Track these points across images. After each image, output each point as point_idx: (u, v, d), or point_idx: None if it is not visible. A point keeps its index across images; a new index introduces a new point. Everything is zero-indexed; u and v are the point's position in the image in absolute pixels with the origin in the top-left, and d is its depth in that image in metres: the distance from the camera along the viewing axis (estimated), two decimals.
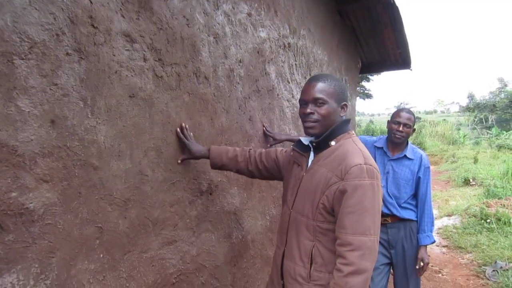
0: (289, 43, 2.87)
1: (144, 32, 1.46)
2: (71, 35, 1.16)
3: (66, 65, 1.14)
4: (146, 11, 1.47)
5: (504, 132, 21.25)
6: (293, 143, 1.68)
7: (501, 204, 6.56)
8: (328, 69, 3.89)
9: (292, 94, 2.96)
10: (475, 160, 12.37)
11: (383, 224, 2.57)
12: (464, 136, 22.56)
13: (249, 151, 1.82)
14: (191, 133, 1.73)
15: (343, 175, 1.35)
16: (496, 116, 29.70)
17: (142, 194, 1.47)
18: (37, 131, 1.06)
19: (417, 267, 2.56)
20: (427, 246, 2.60)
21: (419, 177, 2.59)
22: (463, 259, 4.99)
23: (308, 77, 3.26)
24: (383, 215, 2.53)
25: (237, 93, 2.15)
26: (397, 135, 2.57)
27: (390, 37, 4.86)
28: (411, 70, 5.90)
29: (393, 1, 3.88)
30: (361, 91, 17.35)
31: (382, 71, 6.58)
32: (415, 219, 2.62)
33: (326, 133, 1.46)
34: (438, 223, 6.30)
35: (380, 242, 2.55)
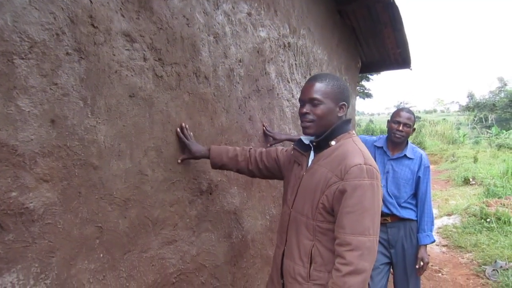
0: (289, 43, 2.87)
1: (144, 31, 1.46)
2: (71, 35, 1.16)
3: (66, 64, 1.14)
4: (146, 10, 1.47)
5: (504, 131, 21.25)
6: (294, 142, 1.68)
7: (501, 204, 6.56)
8: (328, 69, 3.89)
9: (292, 93, 2.96)
10: (475, 160, 12.37)
11: (383, 224, 2.57)
12: (464, 136, 22.56)
13: (249, 151, 1.82)
14: (191, 133, 1.73)
15: (343, 175, 1.35)
16: (496, 115, 29.72)
17: (142, 193, 1.47)
18: (37, 130, 1.06)
19: (417, 266, 2.56)
20: (427, 245, 2.60)
21: (419, 177, 2.59)
22: (463, 258, 4.99)
23: (308, 77, 3.26)
24: (383, 214, 2.54)
25: (237, 92, 2.15)
26: (397, 135, 2.57)
27: (390, 36, 4.86)
28: (411, 69, 5.90)
29: (393, 1, 3.88)
30: (361, 90, 17.36)
31: (382, 70, 6.58)
32: (415, 218, 2.62)
33: (326, 132, 1.46)
34: (438, 223, 6.30)
35: (380, 241, 2.58)
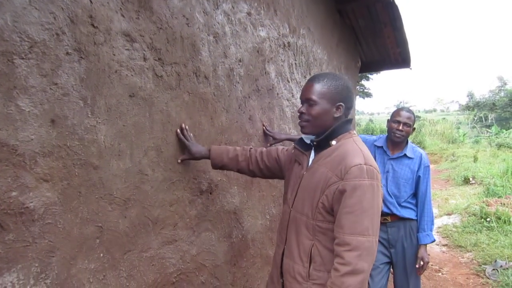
0: (288, 42, 2.87)
1: (144, 31, 1.46)
2: (71, 35, 1.16)
3: (66, 64, 1.14)
4: (146, 10, 1.47)
5: (504, 130, 21.25)
6: (295, 141, 1.68)
7: (501, 203, 6.56)
8: (327, 68, 3.89)
9: (292, 93, 2.96)
10: (475, 159, 12.36)
11: (383, 223, 2.57)
12: (463, 135, 22.55)
13: (249, 150, 1.82)
14: (191, 134, 1.73)
15: (343, 175, 1.35)
16: (496, 115, 29.71)
17: (142, 193, 1.47)
18: (37, 130, 1.06)
19: (417, 266, 2.56)
20: (427, 245, 2.60)
21: (419, 176, 2.59)
22: (463, 258, 4.99)
23: (307, 76, 3.27)
24: (383, 214, 2.54)
25: (237, 92, 2.15)
26: (397, 134, 2.57)
27: (389, 36, 4.86)
28: (410, 69, 5.90)
29: (393, 0, 3.88)
30: (361, 90, 17.36)
31: (382, 70, 6.58)
32: (415, 218, 2.62)
33: (327, 132, 1.46)
34: (438, 222, 6.30)
35: (380, 241, 2.58)
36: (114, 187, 1.33)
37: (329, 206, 1.39)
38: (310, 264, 1.43)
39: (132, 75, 1.41)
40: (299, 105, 1.53)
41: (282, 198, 2.73)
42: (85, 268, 1.22)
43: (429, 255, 2.63)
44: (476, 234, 5.62)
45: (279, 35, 2.70)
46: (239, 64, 2.17)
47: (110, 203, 1.32)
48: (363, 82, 17.01)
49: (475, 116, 32.30)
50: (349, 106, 1.50)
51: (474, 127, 30.21)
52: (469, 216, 6.39)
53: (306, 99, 1.47)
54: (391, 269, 2.72)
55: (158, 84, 1.55)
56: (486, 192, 7.87)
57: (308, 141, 1.56)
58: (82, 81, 1.20)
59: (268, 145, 2.49)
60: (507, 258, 4.54)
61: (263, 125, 2.47)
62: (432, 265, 4.70)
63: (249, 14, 2.27)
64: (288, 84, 2.90)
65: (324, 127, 1.48)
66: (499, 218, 5.85)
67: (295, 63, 3.04)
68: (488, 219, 5.91)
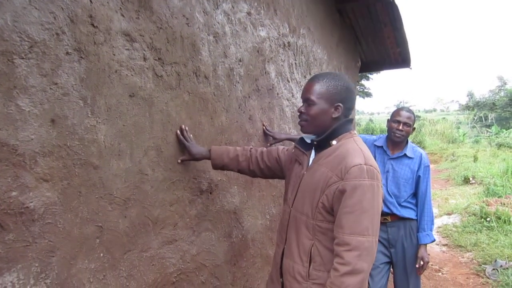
0: (288, 42, 2.87)
1: (144, 31, 1.46)
2: (71, 35, 1.16)
3: (66, 64, 1.14)
4: (146, 10, 1.47)
5: (504, 130, 21.25)
6: (295, 141, 1.68)
7: (501, 203, 6.56)
8: (327, 68, 3.89)
9: (292, 93, 2.96)
10: (475, 159, 12.37)
11: (383, 223, 2.57)
12: (463, 135, 22.55)
13: (250, 150, 1.82)
14: (191, 135, 1.73)
15: (343, 175, 1.35)
16: (496, 115, 29.70)
17: (142, 193, 1.47)
18: (37, 130, 1.06)
19: (417, 266, 2.57)
20: (427, 244, 2.60)
21: (419, 176, 2.59)
22: (463, 257, 4.99)
23: (308, 76, 3.27)
24: (383, 214, 2.54)
25: (237, 92, 2.15)
26: (397, 134, 2.57)
27: (389, 35, 4.86)
28: (410, 68, 5.90)
29: (393, 0, 3.88)
30: (361, 89, 17.36)
31: (382, 69, 6.58)
32: (415, 218, 2.62)
33: (327, 132, 1.46)
34: (438, 222, 6.30)
35: (380, 241, 2.58)
36: (114, 187, 1.33)
37: (329, 206, 1.39)
38: (310, 263, 1.43)
39: (132, 75, 1.41)
40: (299, 105, 1.54)
41: (282, 198, 2.73)
42: (85, 268, 1.22)
43: (429, 254, 2.63)
44: (476, 234, 5.62)
45: (279, 35, 2.70)
46: (239, 64, 2.17)
47: (110, 203, 1.32)
48: (363, 82, 17.02)
49: (475, 115, 32.29)
50: (349, 106, 1.49)
51: (474, 126, 30.22)
52: (469, 216, 6.40)
53: (305, 99, 1.48)
54: (391, 269, 2.72)
55: (158, 84, 1.55)
56: (486, 192, 7.87)
57: (308, 141, 1.56)
58: (82, 81, 1.20)
59: (268, 145, 2.49)
60: (507, 257, 4.54)
61: (263, 125, 2.47)
62: (432, 264, 4.70)
63: (249, 14, 2.27)
64: (288, 84, 2.90)
65: (323, 127, 1.48)
66: (499, 218, 5.85)
67: (295, 63, 3.04)
68: (488, 219, 5.92)
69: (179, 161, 1.68)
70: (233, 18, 2.10)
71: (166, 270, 1.59)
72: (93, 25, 1.23)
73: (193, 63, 1.76)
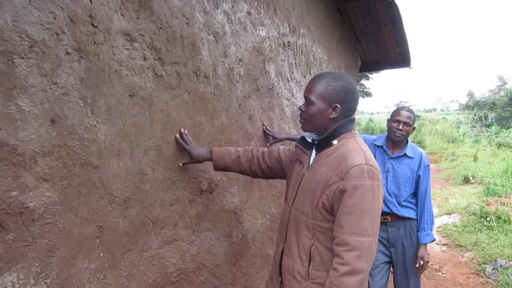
0: (288, 42, 2.87)
1: (144, 31, 1.46)
2: (71, 34, 1.15)
3: (66, 64, 1.14)
4: (146, 10, 1.47)
5: (504, 130, 21.26)
6: (296, 140, 1.68)
7: (501, 202, 6.56)
8: (328, 68, 3.89)
9: (292, 92, 2.96)
10: (475, 158, 12.37)
11: (383, 223, 2.57)
12: (463, 134, 22.56)
13: (251, 151, 1.82)
14: (190, 138, 1.72)
15: (343, 175, 1.34)
16: (496, 114, 29.71)
17: (142, 193, 1.47)
18: (37, 130, 1.06)
19: (417, 265, 2.57)
20: (427, 244, 2.60)
21: (419, 176, 2.59)
22: (463, 257, 4.99)
23: (307, 76, 3.27)
24: (383, 213, 2.54)
25: (237, 92, 2.15)
26: (397, 134, 2.57)
27: (389, 35, 4.86)
28: (410, 68, 5.90)
29: None
30: (361, 89, 17.35)
31: (382, 69, 6.58)
32: (415, 217, 2.62)
33: (328, 132, 1.46)
34: (438, 222, 6.30)
35: (380, 240, 2.58)
36: (114, 186, 1.33)
37: (329, 206, 1.39)
38: (309, 263, 1.43)
39: (132, 75, 1.41)
40: (299, 104, 1.54)
41: (282, 197, 2.74)
42: (85, 267, 1.22)
43: (429, 254, 2.63)
44: (476, 234, 5.62)
45: (279, 35, 2.70)
46: (239, 64, 2.17)
47: (110, 202, 1.32)
48: (363, 81, 17.01)
49: (475, 115, 32.29)
50: (348, 107, 1.47)
51: (474, 126, 30.21)
52: (469, 215, 6.40)
53: (305, 98, 1.49)
54: (391, 269, 2.72)
55: (158, 83, 1.55)
56: (486, 192, 7.87)
57: (309, 140, 1.56)
58: (82, 80, 1.20)
59: (268, 144, 2.49)
60: (507, 257, 4.55)
61: (263, 125, 2.47)
62: (432, 264, 4.70)
63: (249, 13, 2.27)
64: (288, 83, 2.90)
65: (321, 127, 1.48)
66: (499, 218, 5.85)
67: (295, 63, 3.04)
68: (488, 219, 5.92)
69: (180, 164, 1.68)
70: (233, 18, 2.10)
71: (166, 270, 1.59)
72: (93, 25, 1.23)
73: (193, 63, 1.76)
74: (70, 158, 1.16)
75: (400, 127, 2.56)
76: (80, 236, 1.20)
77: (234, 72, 2.12)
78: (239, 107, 2.18)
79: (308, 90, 1.48)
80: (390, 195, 2.61)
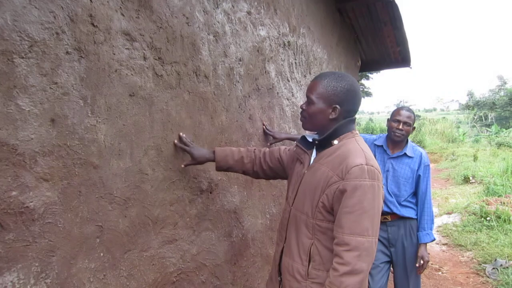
0: (288, 42, 2.87)
1: (144, 30, 1.46)
2: (71, 34, 1.15)
3: (66, 63, 1.14)
4: (146, 9, 1.47)
5: (504, 129, 21.28)
6: (297, 140, 1.68)
7: (501, 202, 6.56)
8: (328, 67, 3.89)
9: (292, 92, 2.96)
10: (475, 158, 12.37)
11: (383, 222, 2.58)
12: (463, 134, 22.57)
13: (254, 151, 1.82)
14: (190, 139, 1.71)
15: (344, 175, 1.34)
16: (496, 114, 29.74)
17: (142, 193, 1.47)
18: (37, 130, 1.06)
19: (417, 265, 2.57)
20: (427, 244, 2.60)
21: (419, 175, 2.59)
22: (463, 257, 5.00)
23: (308, 76, 3.27)
24: (383, 213, 2.54)
25: (237, 91, 2.15)
26: (397, 133, 2.57)
27: (389, 35, 4.86)
28: (410, 68, 5.90)
29: None
30: (361, 89, 17.32)
31: (382, 69, 6.58)
32: (415, 217, 2.62)
33: (329, 131, 1.46)
34: (438, 221, 6.31)
35: (380, 240, 2.58)
36: (114, 186, 1.33)
37: (329, 206, 1.39)
38: (309, 263, 1.43)
39: (132, 74, 1.41)
40: (299, 104, 1.54)
41: (282, 197, 2.74)
42: (86, 267, 1.22)
43: (429, 254, 2.63)
44: (476, 233, 5.63)
45: (279, 34, 2.70)
46: (239, 63, 2.16)
47: (110, 202, 1.32)
48: (363, 81, 17.00)
49: (475, 115, 32.32)
50: (348, 109, 1.47)
51: (474, 126, 30.22)
52: (469, 215, 6.40)
53: (306, 96, 1.49)
54: (391, 268, 2.72)
55: (158, 83, 1.54)
56: (486, 191, 7.87)
57: (310, 139, 1.56)
58: (82, 80, 1.20)
59: (268, 144, 2.49)
60: (507, 257, 4.55)
61: (263, 124, 2.47)
62: (432, 264, 4.70)
63: (249, 13, 2.27)
64: (288, 83, 2.90)
65: (321, 126, 1.49)
66: (499, 217, 5.85)
67: (295, 62, 3.04)
68: (488, 218, 5.92)
69: (182, 166, 1.68)
70: (233, 18, 2.10)
71: (166, 270, 1.59)
72: (93, 24, 1.23)
73: (193, 63, 1.76)
74: (70, 158, 1.16)
75: (400, 126, 2.56)
76: (80, 236, 1.20)
77: (234, 72, 2.12)
78: (239, 107, 2.18)
79: (310, 89, 1.48)
80: (390, 195, 2.62)
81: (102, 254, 1.28)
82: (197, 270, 1.80)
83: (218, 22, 1.95)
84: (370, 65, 6.19)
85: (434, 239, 2.63)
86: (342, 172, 1.35)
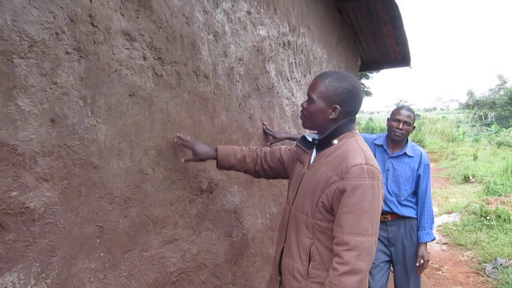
0: (288, 41, 2.87)
1: (143, 30, 1.46)
2: (70, 34, 1.15)
3: (66, 64, 1.14)
4: (146, 9, 1.47)
5: (504, 129, 21.27)
6: (297, 139, 1.68)
7: (501, 201, 6.56)
8: (327, 67, 3.89)
9: (292, 92, 2.96)
10: (475, 157, 12.37)
11: (383, 222, 2.58)
12: (463, 133, 22.57)
13: (255, 151, 1.81)
14: (188, 137, 1.70)
15: (343, 175, 1.34)
16: (496, 113, 29.74)
17: (142, 192, 1.47)
18: (37, 130, 1.06)
19: (417, 264, 2.57)
20: (427, 243, 2.60)
21: (419, 175, 2.59)
22: (463, 256, 5.00)
23: (308, 75, 3.27)
24: (383, 212, 2.54)
25: (237, 91, 2.15)
26: (397, 133, 2.57)
27: (389, 34, 4.85)
28: (410, 67, 5.90)
29: None
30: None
31: (382, 68, 6.57)
32: (415, 216, 2.63)
33: (329, 131, 1.46)
34: (438, 221, 6.31)
35: (380, 239, 2.59)
36: (114, 186, 1.33)
37: (329, 205, 1.39)
38: (309, 262, 1.43)
39: (132, 74, 1.41)
40: (299, 103, 1.54)
41: (282, 197, 2.74)
42: (86, 267, 1.22)
43: (429, 253, 2.63)
44: (476, 233, 5.63)
45: (279, 34, 2.70)
46: (239, 63, 2.16)
47: (110, 202, 1.32)
48: (363, 80, 17.00)
49: (475, 114, 32.31)
50: (349, 109, 1.46)
51: (474, 125, 30.22)
52: (469, 214, 6.40)
53: (307, 95, 1.49)
54: (391, 268, 2.72)
55: (158, 83, 1.54)
56: (486, 191, 7.87)
57: (310, 139, 1.55)
58: (82, 80, 1.20)
59: (268, 144, 2.49)
60: (507, 256, 4.55)
61: (263, 124, 2.47)
62: (432, 263, 4.70)
63: (249, 13, 2.27)
64: (288, 83, 2.90)
65: (320, 126, 1.49)
66: (499, 217, 5.85)
67: (295, 62, 3.04)
68: (488, 218, 5.92)
69: (182, 160, 1.66)
70: (233, 17, 2.10)
71: (166, 270, 1.59)
72: (92, 24, 1.23)
73: (193, 62, 1.76)
74: (70, 158, 1.16)
75: (400, 126, 2.56)
76: (80, 236, 1.20)
77: (234, 72, 2.12)
78: (239, 107, 2.18)
79: (311, 88, 1.48)
80: (390, 194, 2.62)
81: (102, 254, 1.28)
82: (198, 270, 1.80)
83: (218, 21, 1.95)
84: (370, 64, 6.18)
85: (434, 239, 2.63)
86: (341, 171, 1.35)
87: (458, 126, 27.44)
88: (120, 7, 1.34)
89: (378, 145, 2.73)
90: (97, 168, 1.26)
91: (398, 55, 5.57)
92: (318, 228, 1.42)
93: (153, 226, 1.52)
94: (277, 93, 2.70)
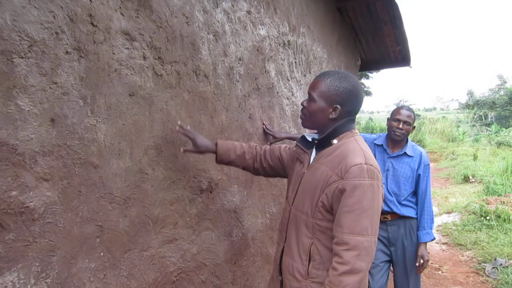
0: (288, 41, 2.87)
1: (143, 30, 1.46)
2: (70, 34, 1.15)
3: (66, 63, 1.14)
4: (146, 9, 1.47)
5: (504, 129, 21.29)
6: (297, 139, 1.68)
7: (500, 201, 6.56)
8: (328, 67, 3.89)
9: (292, 92, 2.96)
10: (475, 157, 12.37)
11: (383, 222, 2.58)
12: (463, 133, 22.58)
13: (255, 148, 1.81)
14: (188, 126, 1.68)
15: (343, 174, 1.34)
16: (496, 113, 29.74)
17: (142, 192, 1.47)
18: (37, 129, 1.06)
19: (417, 264, 2.57)
20: (427, 243, 2.61)
21: (419, 175, 2.60)
22: (463, 256, 5.00)
23: (308, 75, 3.27)
24: (383, 212, 2.54)
25: (236, 91, 2.15)
26: (397, 133, 2.57)
27: (389, 34, 4.85)
28: (410, 67, 5.90)
29: None
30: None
31: (382, 68, 6.58)
32: (415, 216, 2.63)
33: (328, 131, 1.46)
34: (437, 220, 6.31)
35: (380, 239, 2.59)
36: (114, 186, 1.33)
37: (329, 205, 1.39)
38: (309, 262, 1.43)
39: (131, 74, 1.41)
40: (299, 103, 1.54)
41: (282, 196, 2.74)
42: (86, 267, 1.22)
43: (429, 253, 2.63)
44: (476, 233, 5.63)
45: (279, 34, 2.70)
46: (239, 63, 2.16)
47: (110, 202, 1.32)
48: (363, 80, 17.00)
49: (475, 114, 32.32)
50: (349, 109, 1.46)
51: (474, 125, 30.22)
52: (469, 214, 6.40)
53: (308, 94, 1.49)
54: (391, 267, 2.73)
55: (158, 83, 1.54)
56: (486, 191, 7.88)
57: (310, 139, 1.55)
58: (82, 80, 1.20)
59: (268, 144, 2.49)
60: (507, 256, 4.55)
61: (263, 124, 2.47)
62: (432, 263, 4.71)
63: (248, 12, 2.27)
64: (288, 82, 2.90)
65: (320, 125, 1.48)
66: (499, 217, 5.86)
67: (295, 62, 3.04)
68: (488, 218, 5.92)
69: (181, 150, 1.64)
70: (232, 17, 2.09)
71: (166, 269, 1.59)
72: (92, 24, 1.23)
73: (193, 62, 1.76)
74: (70, 157, 1.16)
75: (400, 126, 2.56)
76: (80, 236, 1.20)
77: (234, 71, 2.12)
78: (239, 106, 2.18)
79: (312, 87, 1.47)
80: (390, 194, 2.62)
81: (102, 254, 1.28)
82: (197, 270, 1.80)
83: (218, 21, 1.95)
84: (370, 64, 6.18)
85: (434, 238, 2.63)
86: (341, 171, 1.35)
87: (458, 126, 27.44)
88: (120, 7, 1.34)
89: (378, 145, 2.73)
90: (97, 168, 1.26)
91: (398, 55, 5.57)
92: (318, 228, 1.42)
93: (153, 225, 1.52)
94: (277, 92, 2.70)
